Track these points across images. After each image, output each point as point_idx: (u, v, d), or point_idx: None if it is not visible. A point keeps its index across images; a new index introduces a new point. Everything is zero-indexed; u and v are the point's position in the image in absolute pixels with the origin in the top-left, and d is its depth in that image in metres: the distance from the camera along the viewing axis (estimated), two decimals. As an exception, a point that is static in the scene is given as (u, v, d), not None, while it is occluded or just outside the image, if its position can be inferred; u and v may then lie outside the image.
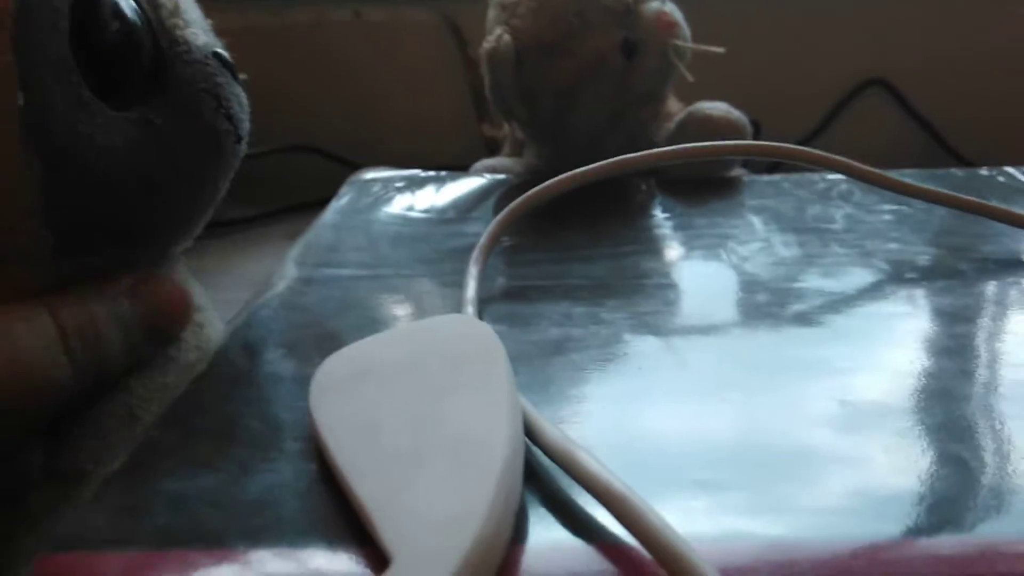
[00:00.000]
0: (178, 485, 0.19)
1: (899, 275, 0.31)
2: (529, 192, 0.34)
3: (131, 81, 0.24)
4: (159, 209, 0.25)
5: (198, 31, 0.26)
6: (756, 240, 0.36)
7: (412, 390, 0.20)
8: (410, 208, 0.42)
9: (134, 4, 0.24)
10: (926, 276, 0.31)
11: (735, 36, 0.80)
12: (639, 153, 0.36)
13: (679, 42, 0.45)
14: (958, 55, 0.82)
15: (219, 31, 0.28)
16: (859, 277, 0.31)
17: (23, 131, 0.21)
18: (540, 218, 0.37)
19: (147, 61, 0.24)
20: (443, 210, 0.42)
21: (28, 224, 0.22)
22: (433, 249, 0.36)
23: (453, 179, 0.47)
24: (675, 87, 0.50)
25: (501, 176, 0.48)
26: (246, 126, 0.27)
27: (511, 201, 0.34)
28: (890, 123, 0.82)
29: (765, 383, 0.23)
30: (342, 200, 0.43)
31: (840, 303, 0.29)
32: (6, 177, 0.21)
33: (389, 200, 0.43)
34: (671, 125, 0.49)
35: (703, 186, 0.45)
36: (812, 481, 0.19)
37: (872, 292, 0.30)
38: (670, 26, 0.45)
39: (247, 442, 0.21)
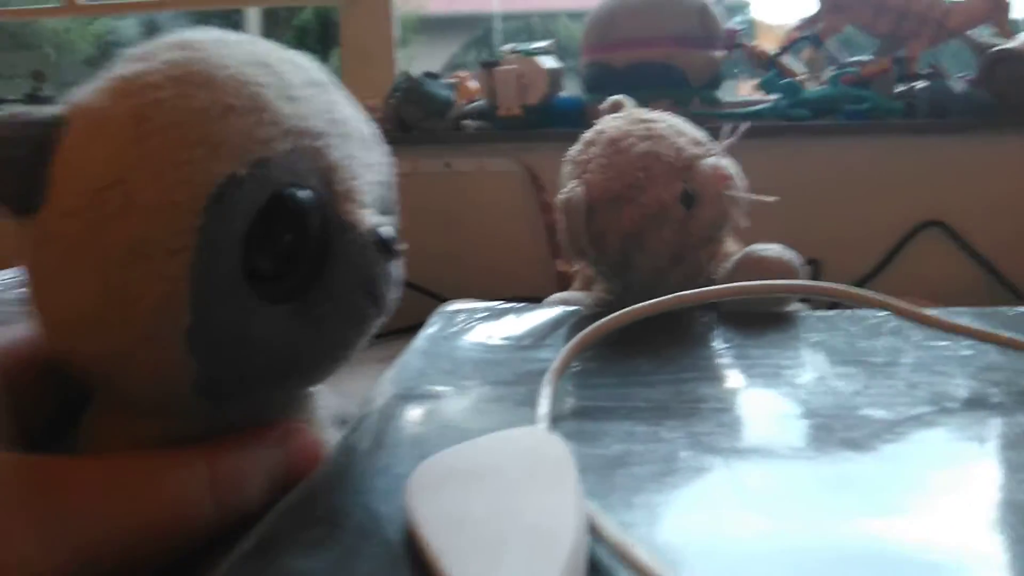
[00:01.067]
0: (298, 563, 0.24)
1: (940, 406, 0.34)
2: (598, 322, 0.39)
3: (295, 272, 0.27)
4: (302, 380, 0.30)
5: (368, 210, 0.29)
6: (808, 371, 0.39)
7: (494, 490, 0.24)
8: (490, 336, 0.47)
9: (311, 195, 0.27)
10: (966, 407, 0.33)
11: (798, 179, 0.86)
12: (697, 290, 0.40)
13: (734, 192, 0.50)
14: (1014, 196, 0.85)
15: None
16: (903, 408, 0.34)
17: (185, 344, 0.25)
18: (608, 346, 0.41)
19: (314, 250, 0.27)
20: (520, 338, 0.46)
21: (182, 394, 0.26)
22: (511, 372, 0.40)
23: (530, 310, 0.52)
24: (735, 231, 0.55)
25: (573, 307, 0.53)
26: (392, 303, 0.31)
27: (582, 330, 0.38)
28: (950, 263, 0.84)
29: (812, 501, 0.26)
30: (431, 328, 0.48)
31: (883, 430, 0.32)
32: (164, 372, 0.25)
33: (472, 329, 0.48)
34: (728, 264, 0.53)
35: (760, 320, 0.48)
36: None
37: (914, 423, 0.32)
38: (725, 179, 0.50)
39: (354, 530, 0.25)
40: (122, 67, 0.26)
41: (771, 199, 0.51)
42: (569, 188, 0.50)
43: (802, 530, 0.24)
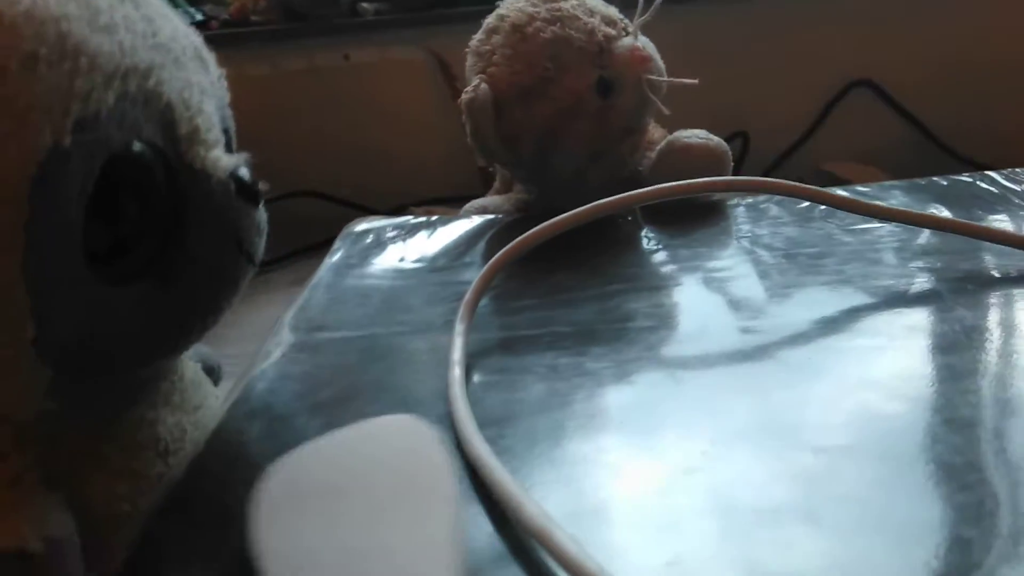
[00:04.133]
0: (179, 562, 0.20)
1: (875, 303, 0.32)
2: (513, 242, 0.35)
3: (147, 244, 0.23)
4: (172, 352, 0.25)
5: (218, 151, 0.24)
6: (740, 271, 0.36)
7: (354, 516, 0.19)
8: (402, 259, 0.43)
9: (151, 149, 0.22)
10: (903, 302, 0.32)
11: (719, 48, 0.82)
12: (618, 196, 0.37)
13: (653, 77, 0.46)
14: (943, 54, 0.82)
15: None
16: (836, 306, 0.32)
17: (31, 355, 0.21)
18: (528, 260, 0.38)
19: (165, 214, 0.23)
20: (435, 258, 0.43)
21: (32, 397, 0.22)
22: (425, 302, 0.37)
23: (444, 224, 0.48)
24: (657, 117, 0.51)
25: (491, 216, 0.49)
26: (261, 251, 0.26)
27: (500, 244, 0.35)
28: (880, 122, 0.82)
29: (738, 437, 0.24)
30: (335, 256, 0.44)
31: (819, 336, 0.30)
32: (10, 387, 0.21)
33: (382, 251, 0.44)
34: (652, 155, 0.50)
35: (688, 212, 0.46)
36: (784, 545, 0.19)
37: (847, 322, 0.31)
38: (643, 61, 0.46)
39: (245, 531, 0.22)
40: None
41: (692, 82, 0.47)
42: (473, 85, 0.45)
43: (727, 480, 0.22)
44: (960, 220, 0.36)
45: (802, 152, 0.84)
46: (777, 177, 0.74)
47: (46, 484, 0.25)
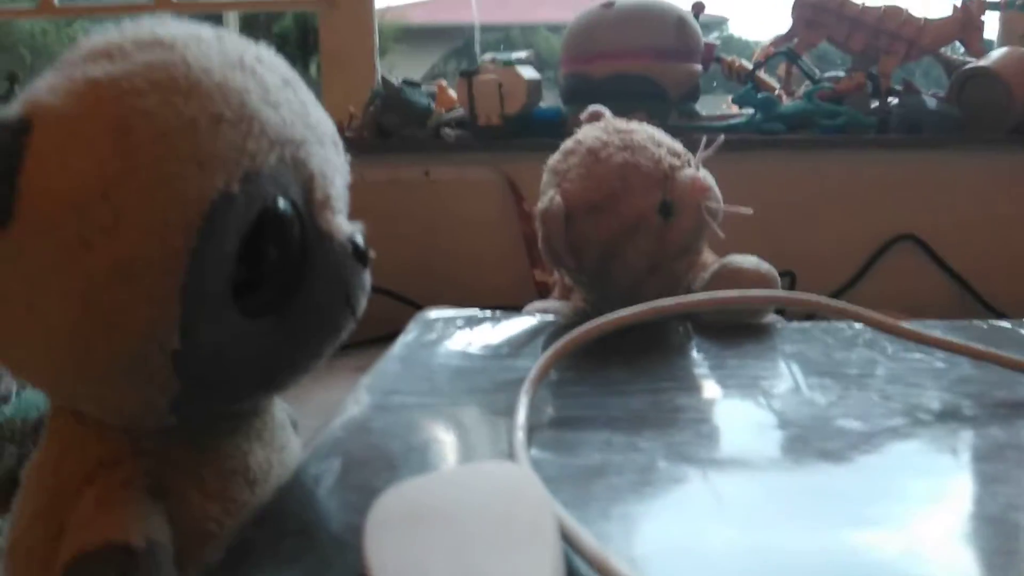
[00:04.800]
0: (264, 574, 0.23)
1: (914, 420, 0.34)
2: (575, 331, 0.38)
3: (276, 283, 0.26)
4: (274, 389, 0.29)
5: (341, 218, 0.29)
6: (784, 381, 0.39)
7: (460, 540, 0.20)
8: (468, 344, 0.46)
9: (294, 207, 0.26)
10: (941, 419, 0.34)
11: (773, 190, 0.87)
12: (673, 299, 0.40)
13: (711, 204, 0.50)
14: (984, 211, 0.86)
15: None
16: (878, 419, 0.34)
17: (170, 367, 0.24)
18: (585, 356, 0.41)
19: (296, 261, 0.27)
20: (498, 347, 0.46)
21: (156, 412, 0.26)
22: (489, 381, 0.40)
23: (508, 319, 0.52)
24: (711, 241, 0.55)
25: (550, 317, 0.53)
26: (363, 307, 0.30)
27: (559, 340, 0.38)
28: (924, 276, 0.85)
29: (788, 512, 0.26)
30: (409, 336, 0.48)
31: (858, 441, 0.32)
32: (143, 395, 0.25)
33: (450, 337, 0.48)
34: (705, 275, 0.53)
35: (736, 331, 0.49)
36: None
37: (889, 434, 0.33)
38: (703, 190, 0.50)
39: (326, 542, 0.25)
40: (88, 65, 0.24)
41: (747, 211, 0.51)
42: (547, 197, 0.50)
43: (778, 541, 0.24)
44: (996, 352, 0.38)
45: (847, 298, 0.87)
46: (820, 320, 0.76)
47: (151, 493, 0.28)
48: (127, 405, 0.25)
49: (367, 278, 0.30)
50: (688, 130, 1.00)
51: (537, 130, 1.01)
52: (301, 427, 0.44)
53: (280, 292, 0.27)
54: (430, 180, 0.91)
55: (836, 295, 0.87)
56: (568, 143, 0.54)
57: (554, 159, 0.54)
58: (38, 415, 0.68)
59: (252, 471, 0.31)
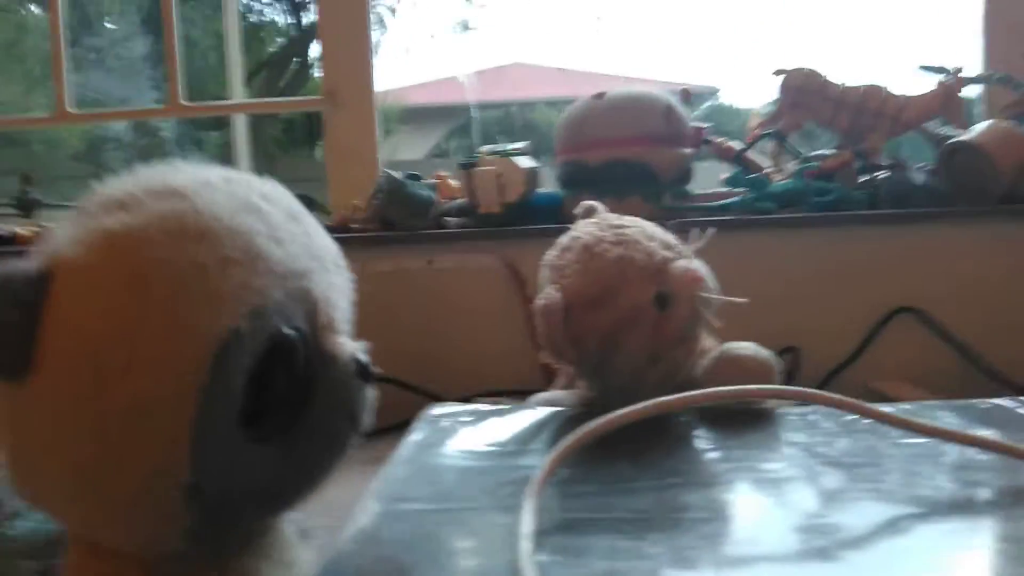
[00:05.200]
0: None
1: (917, 512, 0.34)
2: (579, 431, 0.39)
3: (283, 408, 0.28)
4: (284, 508, 0.30)
5: (345, 338, 0.30)
6: (789, 473, 0.39)
7: None
8: (475, 443, 0.47)
9: (300, 335, 0.28)
10: (941, 511, 0.34)
11: (771, 267, 0.88)
12: (678, 396, 0.41)
13: (705, 294, 0.52)
14: (979, 280, 0.88)
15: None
16: (880, 513, 0.34)
17: (183, 498, 0.25)
18: (590, 450, 0.42)
19: (302, 387, 0.28)
20: (505, 444, 0.47)
21: (171, 541, 0.27)
22: (496, 481, 0.40)
23: (513, 412, 0.52)
24: (710, 328, 0.56)
25: (556, 409, 0.54)
26: (368, 422, 0.32)
27: (565, 434, 0.39)
28: (926, 347, 0.86)
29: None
30: (415, 436, 0.49)
31: (869, 535, 0.32)
32: (156, 525, 0.26)
33: (456, 434, 0.48)
34: (705, 362, 0.54)
35: (739, 418, 0.49)
36: None
37: (891, 529, 0.33)
38: (696, 281, 0.52)
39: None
40: (105, 216, 0.26)
41: (742, 301, 0.52)
42: (546, 294, 0.52)
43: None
44: (991, 439, 0.38)
45: (852, 370, 0.87)
46: (828, 391, 0.77)
47: None
48: (141, 535, 0.26)
49: (371, 393, 0.32)
50: (681, 211, 1.03)
51: (537, 216, 1.04)
52: (313, 528, 0.44)
53: (287, 416, 0.28)
54: (433, 268, 0.93)
55: (840, 368, 0.87)
56: (564, 239, 0.56)
57: (551, 255, 0.56)
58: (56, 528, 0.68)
59: (262, 589, 0.31)
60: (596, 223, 0.56)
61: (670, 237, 0.56)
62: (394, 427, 0.71)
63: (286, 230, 0.29)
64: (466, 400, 0.82)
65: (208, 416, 0.25)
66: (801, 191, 1.01)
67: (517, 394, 0.58)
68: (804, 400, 0.40)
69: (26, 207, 1.62)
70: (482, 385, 0.85)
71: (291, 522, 0.37)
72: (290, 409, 0.28)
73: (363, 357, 0.31)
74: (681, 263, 0.53)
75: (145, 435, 0.24)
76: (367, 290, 0.98)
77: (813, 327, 0.88)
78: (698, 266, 0.54)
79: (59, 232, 0.26)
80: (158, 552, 0.28)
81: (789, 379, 0.83)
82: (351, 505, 0.39)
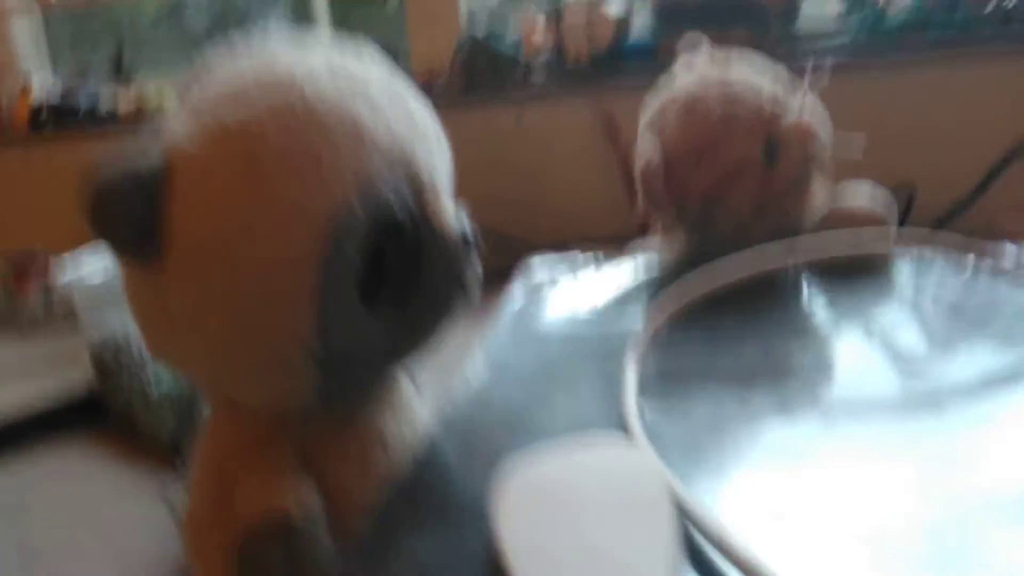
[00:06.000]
0: (412, 543, 0.26)
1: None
2: (679, 288, 0.39)
3: (396, 280, 0.29)
4: (402, 366, 0.32)
5: (450, 210, 0.30)
6: (899, 323, 0.38)
7: (582, 520, 0.22)
8: (575, 302, 0.47)
9: (409, 210, 0.29)
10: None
11: (889, 103, 0.82)
12: (777, 247, 0.39)
13: (817, 147, 0.49)
14: None
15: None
16: (997, 362, 0.33)
17: (311, 364, 0.27)
18: (696, 303, 0.41)
19: (412, 260, 0.29)
20: (605, 304, 0.47)
21: (301, 400, 0.29)
22: (598, 343, 0.41)
23: (612, 263, 0.52)
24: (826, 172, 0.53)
25: (656, 258, 0.53)
26: (478, 291, 0.33)
27: (664, 288, 0.39)
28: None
29: (897, 467, 0.26)
30: (517, 293, 0.49)
31: (979, 392, 0.31)
32: (289, 388, 0.28)
33: (556, 293, 0.49)
34: (815, 214, 0.52)
35: (850, 266, 0.47)
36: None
37: (999, 380, 0.32)
38: (808, 134, 0.49)
39: (461, 514, 0.27)
40: (218, 109, 0.27)
41: (858, 147, 0.49)
42: (646, 153, 0.50)
43: (892, 506, 0.25)
44: None
45: (973, 206, 0.82)
46: (946, 231, 0.73)
47: (300, 467, 0.31)
48: (274, 394, 0.28)
49: (477, 261, 0.32)
50: (789, 52, 0.95)
51: (628, 66, 0.99)
52: (422, 381, 0.46)
53: (401, 288, 0.29)
54: (523, 125, 0.91)
55: (962, 206, 0.82)
56: (664, 94, 0.53)
57: (649, 116, 0.53)
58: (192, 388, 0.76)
59: (387, 439, 0.34)
60: (698, 79, 0.53)
61: (782, 88, 0.52)
62: (497, 273, 0.73)
63: (390, 108, 0.29)
64: (562, 247, 0.82)
65: (329, 286, 0.26)
66: (922, 17, 0.91)
67: (612, 242, 0.58)
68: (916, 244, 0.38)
69: (123, 76, 1.67)
70: (579, 233, 0.85)
71: (407, 377, 0.40)
72: (403, 278, 0.29)
73: (468, 227, 0.31)
74: (792, 117, 0.49)
75: (273, 309, 0.26)
76: (457, 149, 0.98)
77: (932, 164, 0.82)
78: (813, 114, 0.50)
79: (174, 125, 0.28)
80: (291, 407, 0.30)
81: (905, 218, 0.79)
82: (457, 361, 0.41)
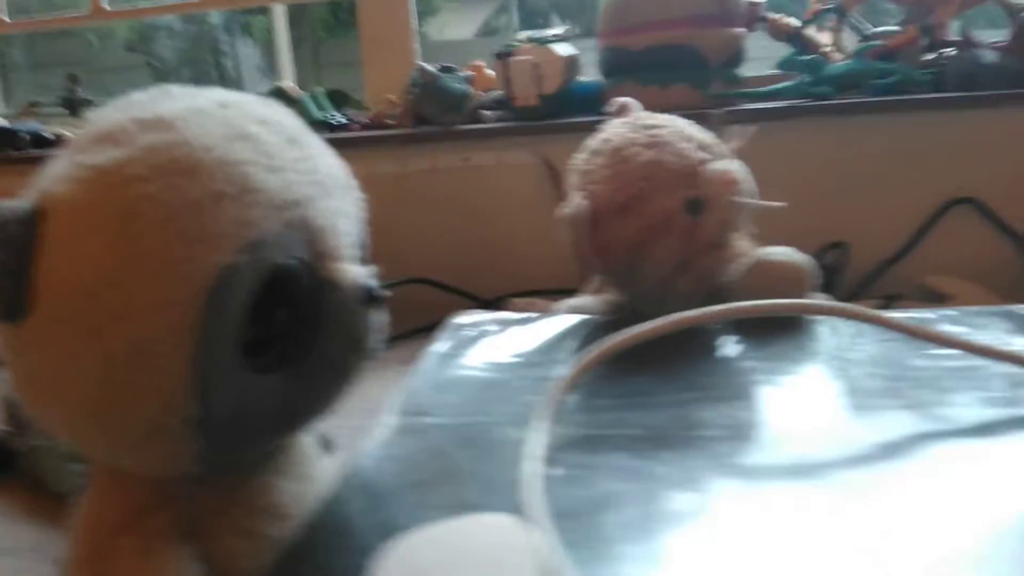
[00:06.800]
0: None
1: (942, 430, 0.33)
2: (598, 347, 0.39)
3: (287, 340, 0.28)
4: (294, 432, 0.30)
5: (351, 265, 0.29)
6: (811, 388, 0.38)
7: None
8: (498, 353, 0.47)
9: (300, 265, 0.27)
10: (967, 433, 0.33)
11: (820, 161, 0.84)
12: (703, 311, 0.40)
13: (740, 199, 0.49)
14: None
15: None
16: (906, 430, 0.33)
17: (191, 429, 0.26)
18: (613, 360, 0.41)
19: (305, 318, 0.28)
20: (528, 355, 0.47)
21: (183, 467, 0.28)
22: (516, 395, 0.40)
23: (540, 320, 0.52)
24: (749, 229, 0.54)
25: (584, 317, 0.53)
26: (381, 347, 0.31)
27: (590, 344, 0.38)
28: (982, 240, 0.81)
29: (800, 543, 0.26)
30: (439, 346, 0.49)
31: (884, 459, 0.31)
32: (169, 455, 0.26)
33: (481, 343, 0.49)
34: (738, 267, 0.53)
35: (769, 325, 0.48)
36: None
37: (915, 447, 0.32)
38: (731, 184, 0.49)
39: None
40: (94, 151, 0.25)
41: (779, 205, 0.50)
42: (573, 201, 0.50)
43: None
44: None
45: (904, 265, 0.84)
46: (878, 289, 0.75)
47: (183, 538, 0.30)
48: (152, 462, 0.27)
49: (381, 318, 0.31)
50: (731, 98, 0.98)
51: (576, 106, 1.00)
52: (344, 428, 0.45)
53: (292, 347, 0.28)
54: (470, 166, 0.91)
55: (892, 262, 0.84)
56: (595, 142, 0.54)
57: (580, 159, 0.53)
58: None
59: (279, 506, 0.32)
60: (629, 123, 0.54)
61: (709, 136, 0.53)
62: (428, 327, 0.72)
63: (284, 157, 0.28)
64: (502, 299, 0.82)
65: (208, 352, 0.25)
66: (861, 73, 0.94)
67: (555, 293, 0.58)
68: (836, 315, 0.38)
69: (73, 107, 1.64)
70: (520, 284, 0.85)
71: (314, 432, 0.38)
72: (294, 339, 0.28)
73: (370, 282, 0.30)
74: (716, 165, 0.50)
75: (146, 373, 0.24)
76: (404, 188, 0.97)
77: (865, 220, 0.84)
78: (735, 167, 0.51)
79: (51, 168, 0.26)
80: (170, 474, 0.29)
81: (836, 275, 0.81)
82: (377, 410, 0.40)
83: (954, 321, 0.47)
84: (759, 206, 0.50)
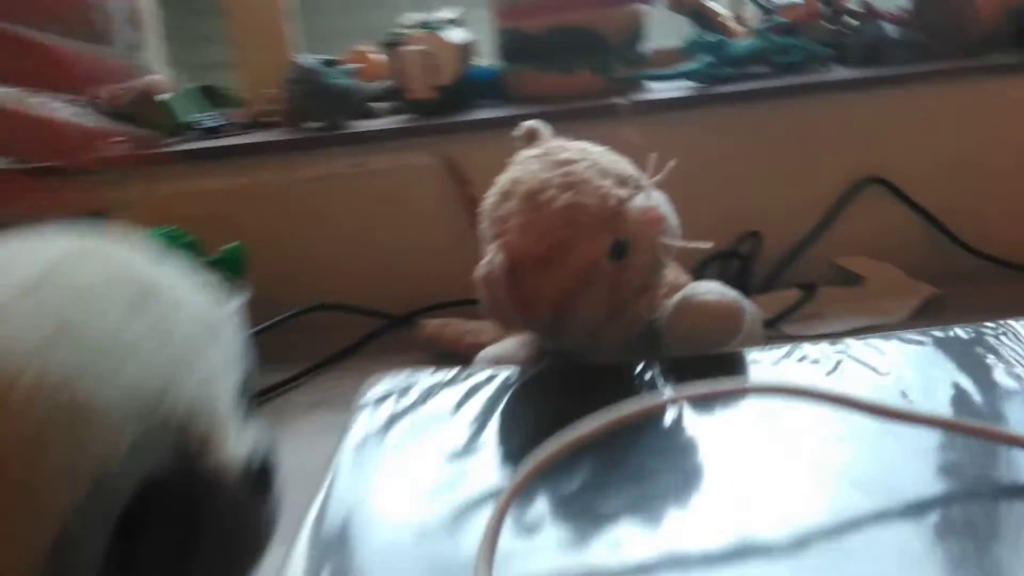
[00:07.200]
0: None
1: (891, 510, 0.31)
2: (528, 468, 0.34)
3: (162, 556, 0.23)
4: None
5: (232, 446, 0.24)
6: (749, 471, 0.36)
7: None
8: (425, 438, 0.42)
9: (167, 473, 0.23)
10: (915, 513, 0.31)
11: (729, 151, 0.82)
12: (646, 403, 0.36)
13: (666, 240, 0.46)
14: (952, 146, 0.82)
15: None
16: (849, 507, 0.31)
17: None
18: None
19: (181, 526, 0.23)
20: (453, 449, 0.41)
21: None
22: (450, 499, 0.36)
23: (460, 383, 0.47)
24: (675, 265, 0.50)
25: (506, 373, 0.49)
26: (272, 538, 0.27)
27: (519, 424, 0.34)
28: (894, 219, 0.82)
29: None
30: (351, 440, 0.43)
31: (830, 533, 0.29)
32: None
33: (398, 431, 0.43)
34: (668, 306, 0.49)
35: (704, 368, 0.44)
36: None
37: (861, 523, 0.30)
38: (656, 223, 0.46)
39: None
40: None
41: (706, 245, 0.46)
42: (488, 259, 0.45)
43: None
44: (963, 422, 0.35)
45: (816, 248, 0.84)
46: (791, 272, 0.74)
47: None
48: None
49: (276, 501, 0.26)
50: (635, 81, 0.93)
51: (475, 93, 0.94)
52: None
53: (173, 559, 0.23)
54: (365, 171, 0.84)
55: (803, 245, 0.84)
56: (504, 182, 0.49)
57: (490, 203, 0.48)
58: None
59: None
60: (540, 158, 0.49)
61: (625, 167, 0.49)
62: (338, 355, 0.66)
63: (129, 335, 0.22)
64: (413, 315, 0.76)
65: None
66: (764, 51, 0.91)
67: (467, 304, 0.53)
68: (780, 394, 0.36)
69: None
70: (427, 297, 0.80)
71: None
72: (175, 550, 0.23)
73: (259, 459, 0.25)
74: (638, 202, 0.46)
75: None
76: (293, 198, 0.88)
77: (776, 205, 0.83)
78: (658, 201, 0.47)
79: None
80: None
81: (751, 265, 0.79)
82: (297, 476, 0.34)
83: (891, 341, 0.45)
84: (685, 246, 0.47)
